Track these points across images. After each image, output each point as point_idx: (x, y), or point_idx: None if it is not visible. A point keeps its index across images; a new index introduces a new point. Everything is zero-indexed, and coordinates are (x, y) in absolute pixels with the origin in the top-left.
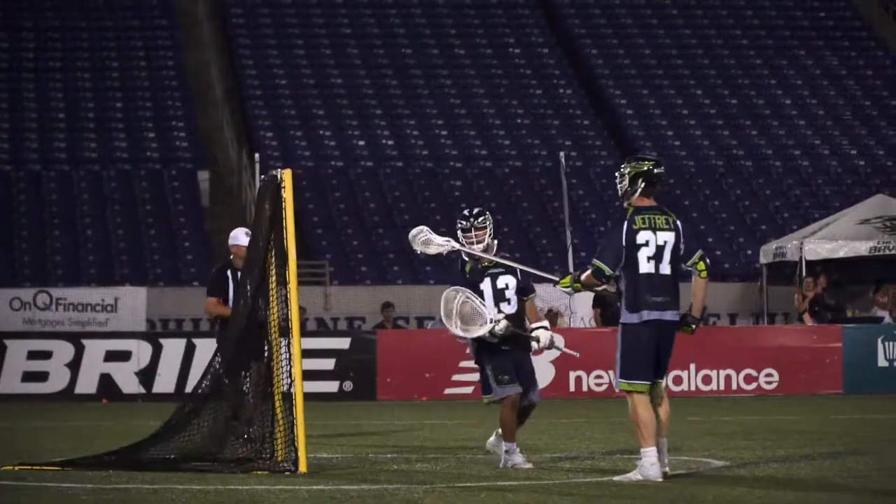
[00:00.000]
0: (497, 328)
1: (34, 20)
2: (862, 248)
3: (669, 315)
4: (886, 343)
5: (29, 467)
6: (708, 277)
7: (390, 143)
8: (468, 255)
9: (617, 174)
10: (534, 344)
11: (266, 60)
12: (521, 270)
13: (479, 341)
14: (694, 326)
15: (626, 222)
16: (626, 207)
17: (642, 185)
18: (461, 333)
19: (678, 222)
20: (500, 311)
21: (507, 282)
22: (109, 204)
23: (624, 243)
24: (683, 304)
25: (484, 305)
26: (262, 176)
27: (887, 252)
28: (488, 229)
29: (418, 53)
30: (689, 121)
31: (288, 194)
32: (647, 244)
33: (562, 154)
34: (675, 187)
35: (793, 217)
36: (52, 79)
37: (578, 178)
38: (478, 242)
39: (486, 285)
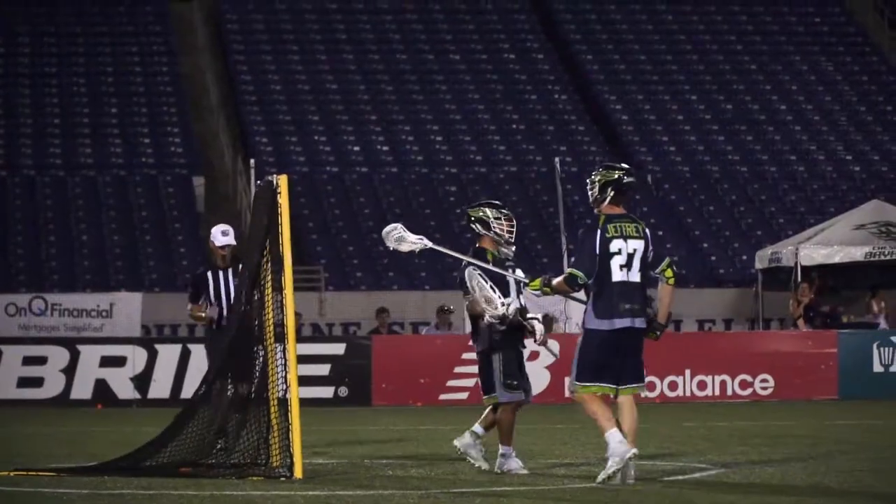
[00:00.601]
0: (509, 311)
1: (30, 25)
2: (857, 253)
3: (639, 322)
4: (882, 349)
5: (24, 473)
6: (675, 285)
7: (385, 148)
8: (476, 248)
9: (588, 181)
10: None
11: (261, 66)
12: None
13: (492, 336)
14: (659, 333)
15: (598, 231)
16: (598, 215)
17: (611, 193)
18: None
19: (647, 230)
20: (519, 304)
21: (521, 276)
22: (104, 209)
23: (598, 252)
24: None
25: (494, 290)
26: (259, 181)
27: (882, 257)
28: None
29: (413, 59)
30: (684, 126)
31: (284, 200)
32: (619, 252)
33: (557, 160)
34: (671, 192)
35: (788, 222)
36: (48, 84)
37: (573, 183)
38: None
39: (510, 278)
